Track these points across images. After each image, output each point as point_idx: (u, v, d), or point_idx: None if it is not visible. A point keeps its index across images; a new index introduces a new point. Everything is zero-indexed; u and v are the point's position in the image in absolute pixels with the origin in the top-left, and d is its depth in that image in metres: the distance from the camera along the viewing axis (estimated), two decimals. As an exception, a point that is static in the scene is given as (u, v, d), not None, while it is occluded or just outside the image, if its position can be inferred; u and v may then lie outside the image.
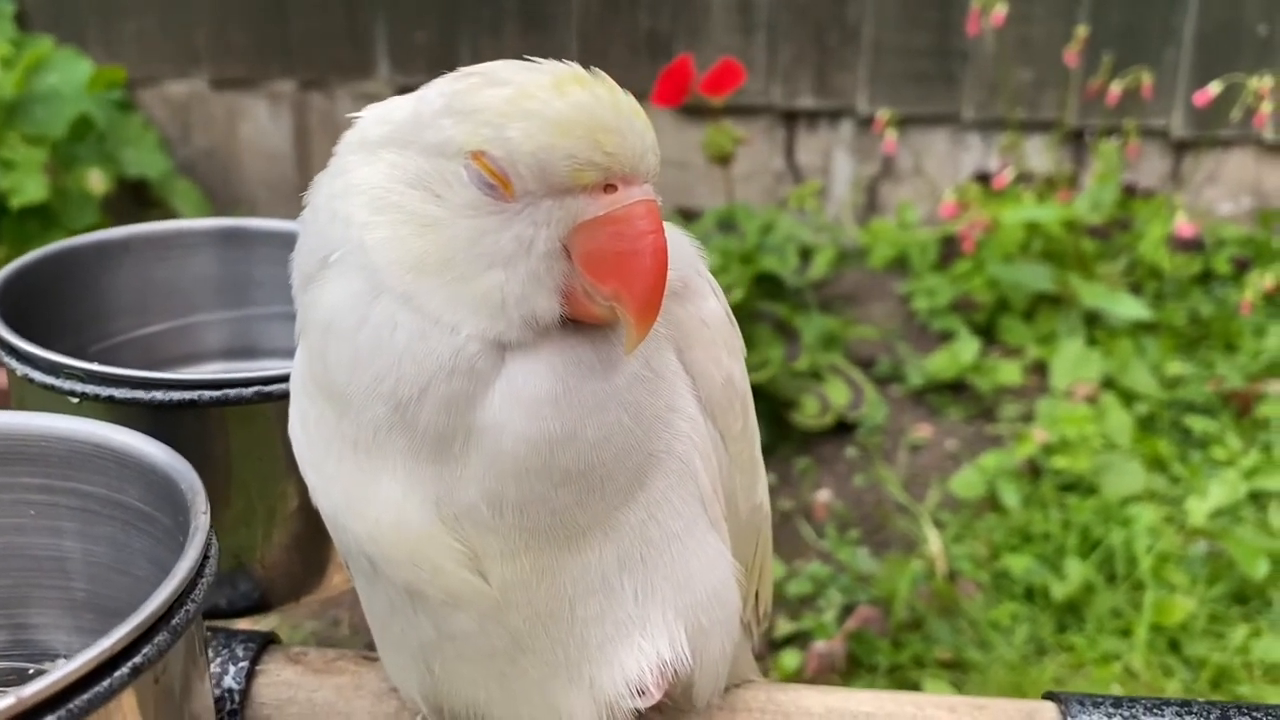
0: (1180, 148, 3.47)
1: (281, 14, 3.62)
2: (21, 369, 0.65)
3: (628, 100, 0.52)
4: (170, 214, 3.56)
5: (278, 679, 0.66)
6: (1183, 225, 2.82)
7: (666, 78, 2.30)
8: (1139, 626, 2.06)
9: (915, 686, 1.98)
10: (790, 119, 3.56)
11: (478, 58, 2.82)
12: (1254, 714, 0.62)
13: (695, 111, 3.45)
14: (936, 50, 3.45)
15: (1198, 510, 2.34)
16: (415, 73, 3.62)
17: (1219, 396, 2.73)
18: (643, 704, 0.56)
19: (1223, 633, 2.09)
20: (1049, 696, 0.67)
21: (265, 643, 0.67)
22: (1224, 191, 3.49)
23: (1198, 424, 2.64)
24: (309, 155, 3.76)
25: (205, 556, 0.49)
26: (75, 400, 0.64)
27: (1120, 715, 0.65)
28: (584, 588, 0.54)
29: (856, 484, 2.50)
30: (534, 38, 3.55)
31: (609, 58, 3.54)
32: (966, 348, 2.78)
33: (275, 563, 0.70)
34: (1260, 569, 2.17)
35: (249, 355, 0.83)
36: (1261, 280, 2.75)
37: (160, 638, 0.45)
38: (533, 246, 0.50)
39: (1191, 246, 3.09)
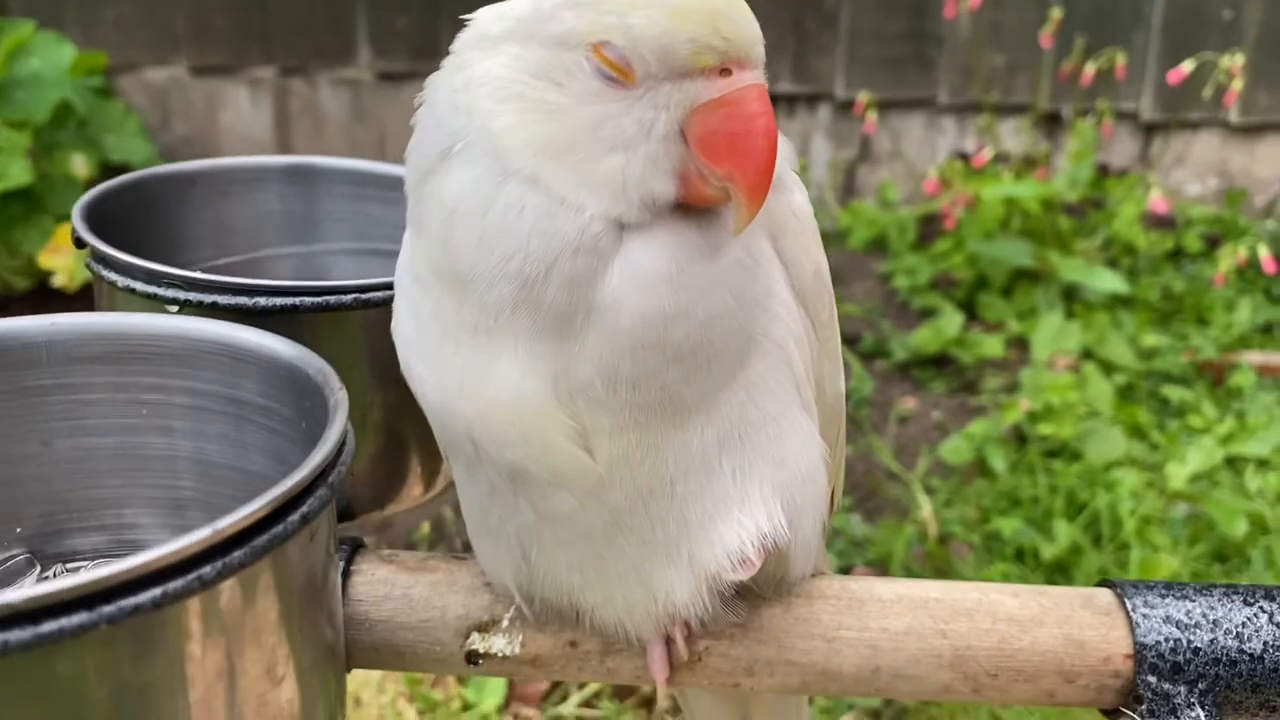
0: (1149, 130, 3.55)
1: (262, 1, 3.62)
2: (123, 280, 0.67)
3: None
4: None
5: (373, 577, 0.68)
6: (1157, 202, 2.89)
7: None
8: (1126, 584, 2.12)
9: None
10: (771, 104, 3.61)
11: None
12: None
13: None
14: (912, 35, 3.51)
15: (1177, 475, 2.41)
16: (397, 58, 3.63)
17: (1193, 367, 2.81)
18: (744, 574, 0.59)
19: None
20: (1104, 583, 0.71)
21: (356, 546, 0.70)
22: (1192, 172, 3.58)
23: (1174, 393, 2.72)
24: (290, 142, 3.75)
25: (347, 427, 0.52)
26: (175, 309, 0.66)
27: (1172, 596, 0.69)
28: (685, 465, 0.58)
29: (847, 454, 2.54)
30: (515, 23, 3.57)
31: (590, 43, 3.57)
32: (950, 322, 2.84)
33: (361, 472, 0.72)
34: (1239, 529, 2.24)
35: (315, 288, 0.85)
36: (1233, 255, 2.82)
37: (321, 491, 0.48)
38: (653, 129, 0.53)
39: (1164, 224, 3.17)
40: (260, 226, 0.85)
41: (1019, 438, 2.51)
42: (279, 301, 0.65)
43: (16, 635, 0.38)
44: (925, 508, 2.28)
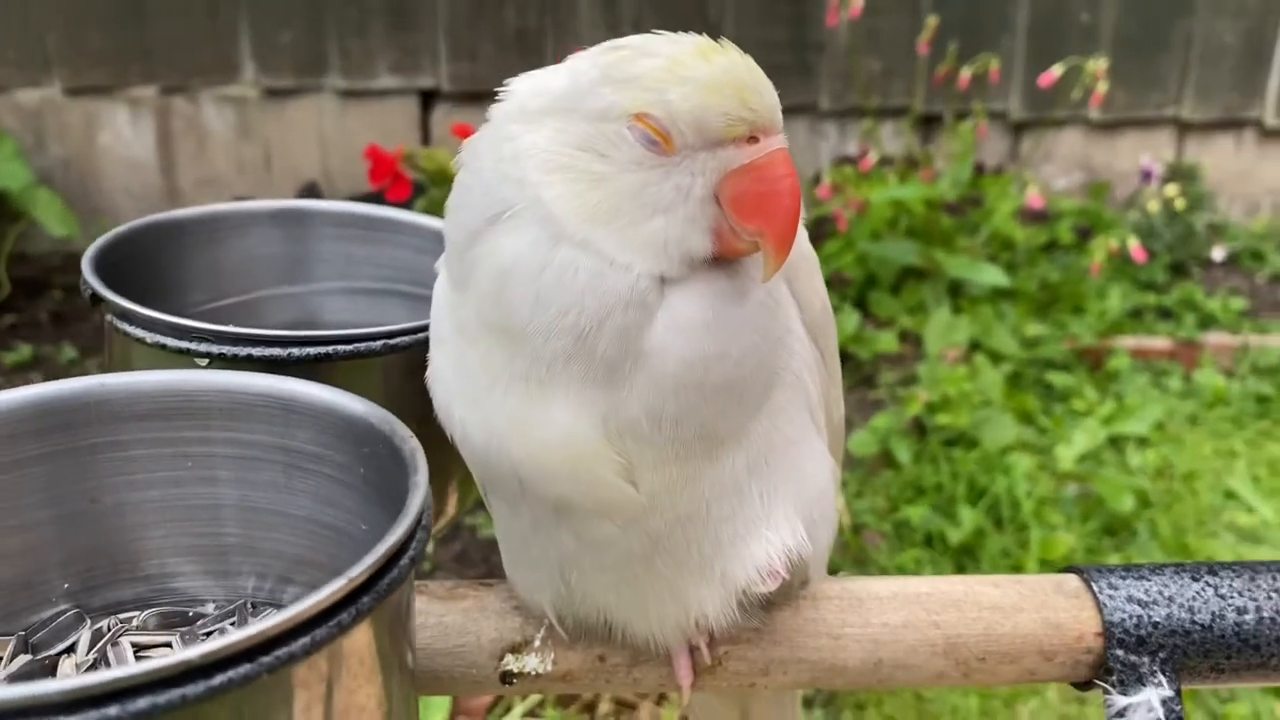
0: (1018, 128, 3.75)
1: (139, 17, 3.53)
2: (152, 336, 0.69)
3: (755, 64, 0.60)
4: (33, 227, 3.43)
5: (408, 608, 0.72)
6: (1034, 198, 3.06)
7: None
8: (1028, 563, 2.26)
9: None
10: (659, 112, 3.69)
11: (346, 59, 2.89)
12: (1261, 573, 0.75)
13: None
14: (793, 44, 3.62)
15: (1066, 456, 2.57)
16: (283, 74, 3.59)
17: (1073, 353, 2.98)
18: (771, 586, 0.65)
19: (1099, 564, 2.31)
20: (1070, 569, 0.79)
21: (387, 579, 0.73)
22: (1058, 168, 3.79)
23: (1058, 379, 2.89)
24: (174, 162, 3.67)
25: (428, 481, 0.55)
26: (204, 362, 0.69)
27: (1131, 577, 0.77)
28: (719, 491, 0.63)
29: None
30: (401, 37, 3.57)
31: (479, 55, 3.59)
32: (848, 319, 2.95)
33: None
34: (1126, 504, 2.41)
35: (312, 327, 0.88)
36: (1106, 246, 3.00)
37: (420, 534, 0.52)
38: (690, 193, 0.58)
39: (1039, 218, 3.35)
40: (252, 270, 0.88)
41: (919, 429, 2.63)
42: (312, 351, 0.68)
43: (192, 689, 0.41)
44: (838, 500, 2.38)
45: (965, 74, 3.13)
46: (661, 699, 1.99)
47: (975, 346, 2.92)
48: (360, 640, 0.48)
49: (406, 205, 2.76)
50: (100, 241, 0.78)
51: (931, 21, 3.29)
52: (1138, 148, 3.74)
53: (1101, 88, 3.00)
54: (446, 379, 0.65)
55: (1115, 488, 2.44)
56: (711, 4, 3.57)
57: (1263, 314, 3.34)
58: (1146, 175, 3.48)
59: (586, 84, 0.59)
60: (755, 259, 0.60)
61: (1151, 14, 3.63)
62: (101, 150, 3.67)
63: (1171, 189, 3.41)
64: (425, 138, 3.66)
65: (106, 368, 0.79)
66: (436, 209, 2.78)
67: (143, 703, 0.41)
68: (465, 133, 2.33)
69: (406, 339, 0.71)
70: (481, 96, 3.52)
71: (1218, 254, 3.59)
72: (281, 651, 0.43)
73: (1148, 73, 3.67)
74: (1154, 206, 3.44)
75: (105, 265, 0.77)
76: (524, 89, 0.62)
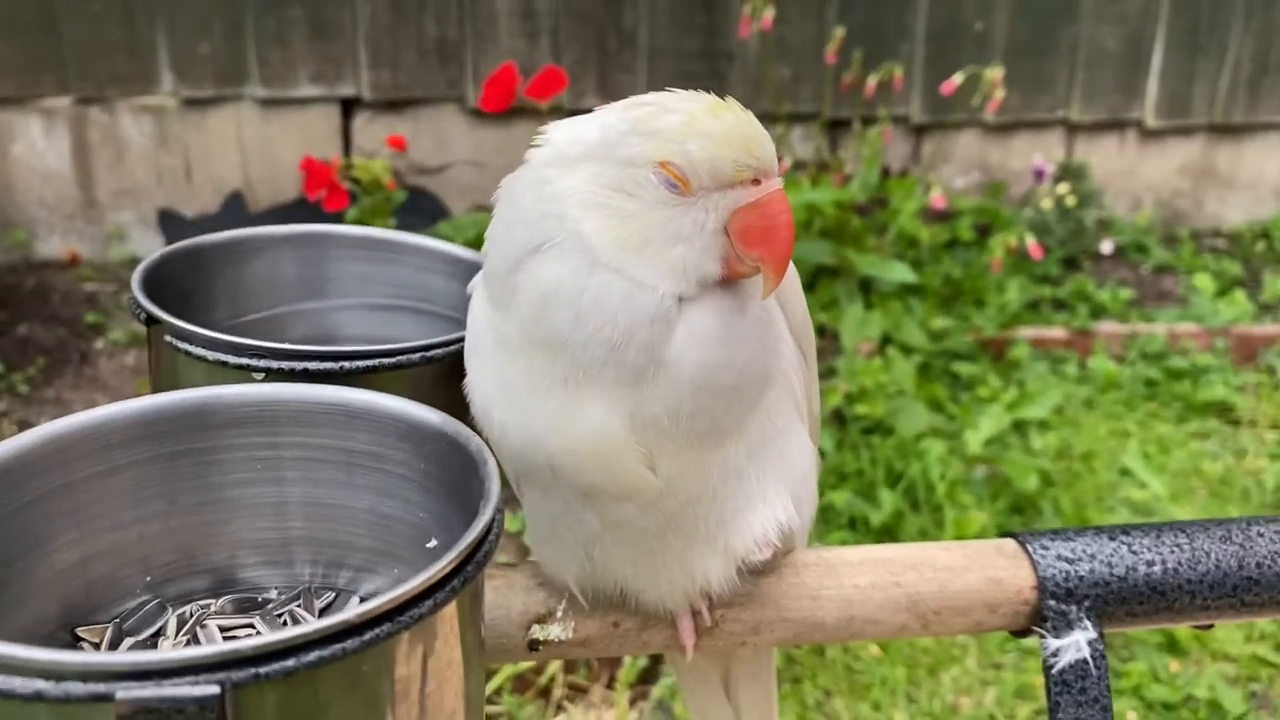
0: (919, 131, 3.94)
1: (51, 27, 3.50)
2: (213, 355, 0.77)
3: (755, 119, 0.71)
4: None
5: (444, 588, 0.81)
6: (937, 199, 3.24)
7: (493, 85, 2.47)
8: (945, 540, 2.42)
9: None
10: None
11: (266, 68, 2.98)
12: (1165, 532, 0.89)
13: (482, 116, 3.61)
14: (706, 53, 3.76)
15: (974, 440, 2.74)
16: (203, 84, 3.60)
17: (978, 344, 3.17)
18: (765, 554, 0.76)
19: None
20: (1006, 534, 0.92)
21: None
22: (957, 168, 3.99)
23: (964, 369, 3.07)
24: (91, 173, 3.65)
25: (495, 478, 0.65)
26: (260, 376, 0.77)
27: (1059, 540, 0.91)
28: (723, 474, 0.74)
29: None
30: (322, 46, 3.61)
31: (399, 64, 3.65)
32: (767, 318, 3.09)
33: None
34: (1031, 483, 2.59)
35: (330, 341, 0.97)
36: (1005, 243, 3.20)
37: (497, 522, 0.62)
38: (705, 227, 0.69)
39: (941, 218, 3.54)
40: (272, 288, 0.96)
41: (839, 419, 2.78)
42: (360, 364, 0.77)
43: (351, 643, 0.51)
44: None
45: (871, 81, 3.30)
46: (611, 681, 2.09)
47: (887, 340, 3.09)
48: (463, 603, 0.58)
49: (341, 214, 2.82)
50: (142, 268, 0.86)
51: (838, 32, 3.45)
52: (1030, 148, 3.96)
53: (999, 94, 3.19)
54: (486, 387, 0.75)
55: (1020, 468, 2.62)
56: (627, 15, 3.68)
57: (1148, 303, 3.58)
58: (1039, 174, 3.69)
59: (616, 136, 0.69)
60: (754, 280, 0.72)
61: (1040, 21, 3.85)
62: (14, 161, 3.64)
63: (1063, 187, 3.63)
64: (347, 145, 3.71)
65: (154, 382, 0.87)
66: (369, 218, 2.87)
67: (313, 655, 0.50)
68: (399, 144, 2.44)
69: (440, 351, 0.81)
70: (402, 104, 3.60)
71: (1106, 248, 3.83)
72: (414, 611, 0.53)
73: (1038, 77, 3.90)
74: (1047, 204, 3.66)
75: (147, 289, 0.85)
76: (560, 138, 0.72)
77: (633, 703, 2.07)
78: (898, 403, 2.78)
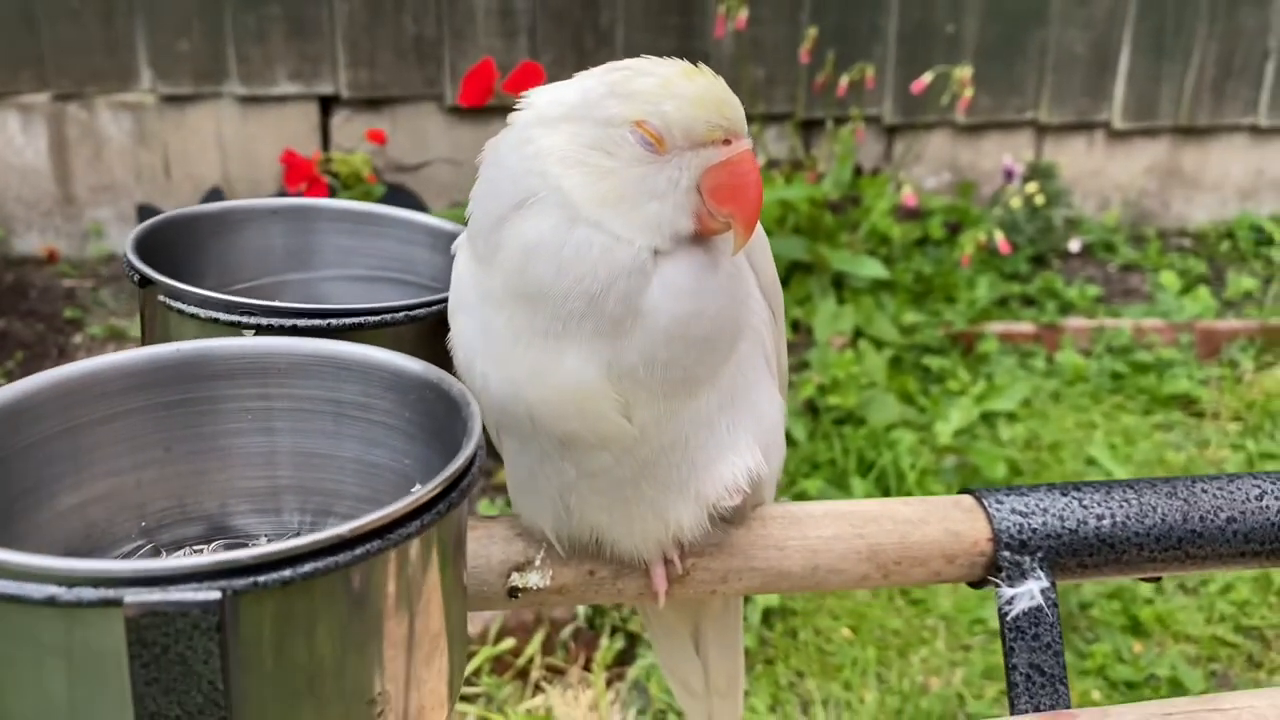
0: (891, 131, 4.00)
1: (30, 23, 3.52)
2: (206, 312, 0.81)
3: (725, 83, 0.75)
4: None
5: (426, 538, 0.85)
6: (908, 197, 3.30)
7: (471, 80, 2.51)
8: (914, 527, 2.47)
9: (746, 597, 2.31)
10: (554, 117, 3.82)
11: (245, 66, 3.04)
12: (1114, 489, 0.94)
13: (460, 114, 3.65)
14: (681, 53, 3.76)
15: (944, 431, 2.80)
16: (182, 81, 3.62)
17: (948, 338, 3.23)
18: (735, 500, 0.80)
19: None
20: (964, 491, 0.97)
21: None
22: (928, 168, 4.06)
23: (934, 362, 3.13)
24: (69, 169, 3.67)
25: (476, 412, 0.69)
26: (251, 333, 0.81)
27: (1013, 495, 0.95)
28: (696, 424, 0.78)
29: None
30: (301, 44, 3.63)
31: (377, 62, 3.68)
32: (741, 312, 3.14)
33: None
34: (999, 472, 2.64)
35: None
36: (974, 240, 3.26)
37: (479, 458, 0.65)
38: (679, 184, 0.73)
39: (913, 215, 3.60)
40: (260, 259, 0.99)
41: (812, 409, 2.83)
42: (348, 321, 0.81)
43: (343, 557, 0.54)
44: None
45: (843, 81, 3.35)
46: (588, 663, 2.13)
47: (859, 334, 3.14)
48: (446, 529, 0.62)
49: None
50: (135, 234, 0.90)
51: (811, 32, 3.51)
52: (1000, 148, 4.03)
53: (967, 93, 3.25)
54: (469, 341, 0.78)
55: (989, 458, 2.68)
56: (603, 14, 3.72)
57: (1114, 299, 3.65)
58: (1009, 174, 3.76)
59: (595, 97, 0.73)
60: (725, 237, 0.76)
61: (1010, 25, 3.92)
62: (-8, 157, 3.64)
63: (1031, 186, 3.69)
64: (325, 143, 3.73)
65: (146, 342, 0.90)
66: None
67: (308, 567, 0.54)
68: (379, 138, 2.48)
69: (422, 311, 0.84)
70: (380, 102, 3.64)
71: (1074, 246, 3.90)
72: (401, 530, 0.57)
73: (1008, 79, 3.97)
74: (1016, 203, 3.72)
75: (140, 254, 0.88)
76: (542, 100, 0.76)
77: (609, 683, 2.11)
78: (869, 394, 2.83)
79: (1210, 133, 4.18)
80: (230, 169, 3.73)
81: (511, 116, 0.77)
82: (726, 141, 0.74)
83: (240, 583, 0.53)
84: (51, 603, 0.51)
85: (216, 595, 0.52)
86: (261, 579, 0.53)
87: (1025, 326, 3.35)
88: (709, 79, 0.74)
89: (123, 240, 3.76)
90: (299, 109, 3.71)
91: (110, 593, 0.51)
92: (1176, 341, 3.35)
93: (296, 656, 0.56)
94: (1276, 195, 4.26)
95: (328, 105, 3.73)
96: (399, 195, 3.65)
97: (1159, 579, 1.00)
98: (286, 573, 0.53)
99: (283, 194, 3.43)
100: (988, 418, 2.94)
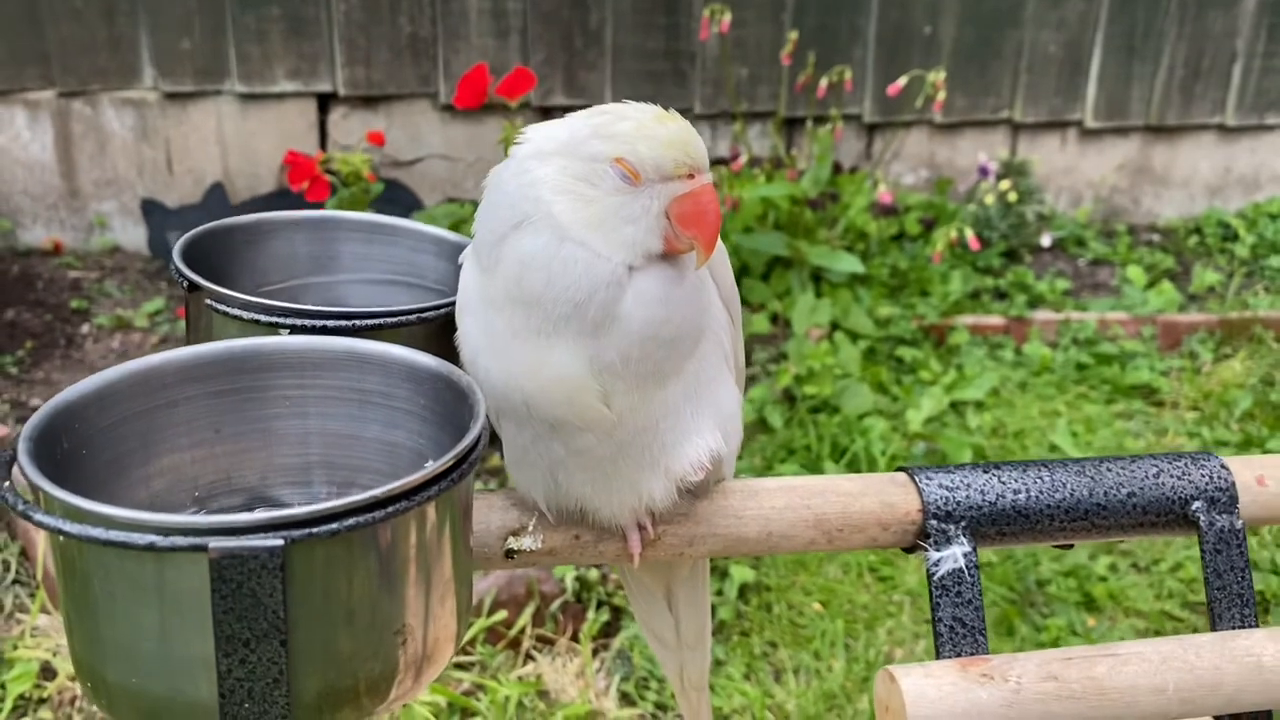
0: (871, 130, 4.15)
1: (36, 23, 3.64)
2: (248, 315, 0.95)
3: (691, 126, 0.90)
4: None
5: (435, 507, 0.99)
6: (884, 194, 3.44)
7: (466, 84, 2.64)
8: (884, 509, 2.62)
9: (725, 573, 2.45)
10: (545, 115, 3.95)
11: (245, 64, 3.20)
12: (1030, 468, 1.08)
13: (453, 112, 3.78)
14: (668, 53, 3.94)
15: (915, 419, 2.95)
16: (183, 79, 3.74)
17: (921, 331, 3.38)
18: (699, 475, 0.95)
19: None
20: (900, 469, 1.11)
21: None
22: (906, 165, 4.20)
23: (907, 353, 3.27)
24: (74, 164, 3.79)
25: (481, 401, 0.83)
26: (286, 332, 0.95)
27: (942, 473, 1.10)
28: (665, 410, 0.92)
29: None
30: (299, 43, 3.76)
31: (373, 61, 3.81)
32: (723, 305, 3.28)
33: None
34: (966, 458, 2.79)
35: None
36: (946, 236, 3.40)
37: (484, 437, 0.79)
38: (650, 211, 0.87)
39: (889, 212, 3.74)
40: (289, 264, 1.13)
41: (789, 398, 2.98)
42: (370, 322, 0.95)
43: (379, 513, 0.69)
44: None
45: (823, 82, 3.49)
46: (576, 634, 2.28)
47: (835, 326, 3.29)
48: (457, 495, 0.76)
49: (321, 205, 2.98)
50: (179, 245, 1.03)
51: (793, 35, 3.64)
52: (976, 147, 4.18)
53: (941, 96, 3.39)
54: (474, 339, 0.93)
55: (958, 445, 2.83)
56: (592, 15, 3.85)
57: (1083, 293, 3.80)
58: (984, 171, 3.91)
59: (582, 136, 0.88)
60: (690, 255, 0.90)
61: (985, 26, 4.06)
62: None
63: (1005, 184, 3.84)
64: (323, 140, 3.86)
65: (193, 341, 1.04)
66: (347, 205, 3.02)
67: (350, 521, 0.68)
68: (378, 139, 2.62)
69: (432, 314, 0.98)
70: (376, 100, 3.78)
71: (1046, 241, 4.05)
72: (424, 494, 0.71)
73: (983, 79, 4.11)
74: (990, 199, 3.87)
75: (185, 261, 1.02)
76: (538, 136, 0.90)
77: (595, 653, 2.26)
78: (844, 384, 2.98)
79: (1179, 132, 4.33)
80: (230, 164, 3.85)
81: (513, 149, 0.91)
82: (691, 175, 0.88)
83: (298, 533, 0.67)
84: (151, 548, 0.66)
85: (280, 542, 0.66)
86: (315, 530, 0.67)
87: (995, 319, 3.50)
88: (678, 124, 0.88)
89: (126, 233, 3.88)
90: (297, 106, 3.84)
91: (198, 540, 0.65)
92: (1140, 334, 3.50)
93: (339, 593, 0.71)
94: (1243, 192, 4.41)
95: (325, 102, 3.85)
96: (394, 190, 3.78)
97: (1071, 546, 1.15)
98: (334, 525, 0.68)
99: (284, 190, 3.56)
100: (957, 406, 3.09)
